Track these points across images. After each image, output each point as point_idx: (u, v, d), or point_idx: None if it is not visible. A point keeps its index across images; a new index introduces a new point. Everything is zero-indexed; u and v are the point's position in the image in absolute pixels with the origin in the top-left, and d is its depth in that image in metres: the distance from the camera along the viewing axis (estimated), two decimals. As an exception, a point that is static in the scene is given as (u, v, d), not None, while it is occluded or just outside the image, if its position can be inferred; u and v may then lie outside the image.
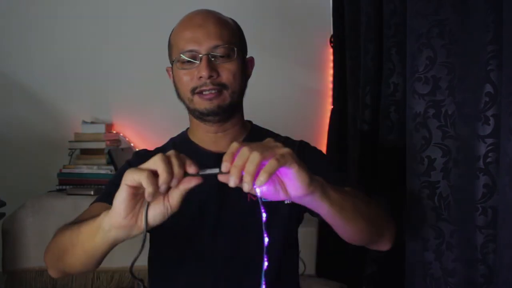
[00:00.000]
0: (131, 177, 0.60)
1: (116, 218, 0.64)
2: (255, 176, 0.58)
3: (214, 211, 0.92)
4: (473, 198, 0.82)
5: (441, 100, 0.91)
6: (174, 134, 1.06)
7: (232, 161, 0.60)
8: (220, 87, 0.91)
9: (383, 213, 0.85)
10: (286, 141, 1.01)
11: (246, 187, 0.59)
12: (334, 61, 1.92)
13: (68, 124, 2.10)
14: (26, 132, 2.09)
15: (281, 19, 2.15)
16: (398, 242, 1.07)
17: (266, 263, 0.63)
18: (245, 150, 0.59)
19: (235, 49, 0.92)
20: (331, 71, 2.05)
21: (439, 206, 0.92)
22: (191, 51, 0.90)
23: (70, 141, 2.00)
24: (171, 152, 0.62)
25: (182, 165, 0.61)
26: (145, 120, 2.15)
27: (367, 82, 1.38)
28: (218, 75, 0.91)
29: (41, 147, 2.08)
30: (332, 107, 1.96)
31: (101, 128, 2.01)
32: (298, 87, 2.16)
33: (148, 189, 0.59)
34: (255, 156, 0.58)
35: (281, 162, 0.59)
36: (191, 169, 0.61)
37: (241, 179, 0.59)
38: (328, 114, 1.98)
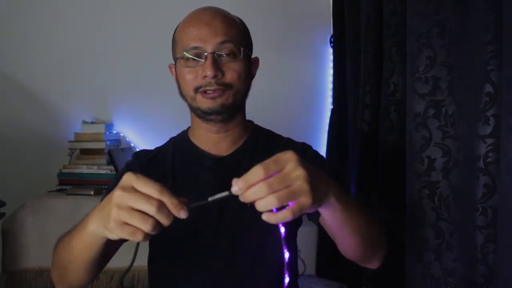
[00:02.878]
0: (138, 203, 0.58)
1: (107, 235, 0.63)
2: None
3: (215, 214, 0.91)
4: (473, 198, 0.82)
5: (441, 100, 0.91)
6: (175, 134, 1.06)
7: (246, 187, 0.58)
8: (225, 87, 0.89)
9: (379, 233, 0.86)
10: (287, 144, 1.00)
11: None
12: (334, 61, 1.92)
13: (68, 124, 2.10)
14: (26, 132, 2.09)
15: (281, 19, 2.15)
16: (398, 242, 1.07)
17: (287, 279, 0.64)
18: (263, 187, 0.57)
19: (242, 48, 0.89)
20: (331, 71, 2.05)
21: (439, 206, 0.92)
22: (196, 48, 0.88)
23: (70, 141, 2.01)
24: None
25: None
26: (145, 120, 2.15)
27: (367, 82, 1.37)
28: (223, 74, 0.88)
29: (41, 147, 2.08)
30: (332, 107, 1.96)
31: (101, 128, 2.01)
32: (298, 87, 2.16)
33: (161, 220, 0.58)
34: (271, 201, 0.57)
35: (296, 214, 0.58)
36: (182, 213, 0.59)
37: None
38: (328, 114, 1.98)
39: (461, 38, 0.87)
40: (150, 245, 0.97)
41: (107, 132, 2.03)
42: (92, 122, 2.07)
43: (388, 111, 1.20)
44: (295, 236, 1.00)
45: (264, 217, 0.58)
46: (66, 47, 2.10)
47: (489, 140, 0.80)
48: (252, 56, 0.98)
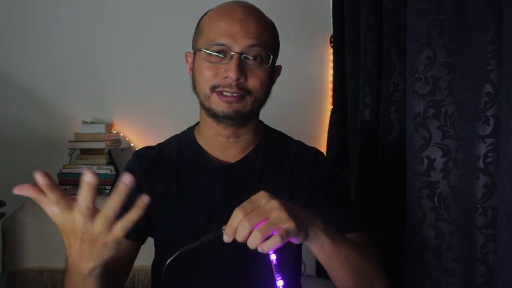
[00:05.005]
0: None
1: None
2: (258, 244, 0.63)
3: (220, 224, 0.90)
4: (473, 198, 0.82)
5: (441, 100, 0.91)
6: (174, 134, 1.03)
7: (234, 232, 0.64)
8: (244, 92, 0.83)
9: (376, 269, 0.82)
10: (299, 149, 0.96)
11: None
12: (334, 61, 1.92)
13: (68, 124, 2.10)
14: (26, 132, 2.09)
15: (281, 19, 2.13)
16: (398, 242, 1.07)
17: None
18: (244, 224, 0.62)
19: (271, 56, 0.84)
20: (331, 71, 2.05)
21: (439, 206, 0.92)
22: (223, 45, 0.81)
23: (70, 141, 2.01)
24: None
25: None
26: (145, 120, 2.15)
27: (367, 82, 1.37)
28: (246, 79, 0.82)
29: (41, 147, 2.08)
30: (332, 107, 1.96)
31: (101, 128, 2.01)
32: (298, 86, 2.16)
33: None
34: (256, 236, 0.62)
35: (284, 237, 0.62)
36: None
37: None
38: (328, 114, 1.98)
39: (461, 38, 0.87)
40: (155, 253, 0.95)
41: (107, 132, 2.03)
42: (92, 122, 2.07)
43: (388, 111, 1.20)
44: (300, 249, 0.97)
45: (259, 248, 0.63)
46: (66, 47, 2.10)
47: (489, 140, 0.80)
48: (279, 65, 0.94)
